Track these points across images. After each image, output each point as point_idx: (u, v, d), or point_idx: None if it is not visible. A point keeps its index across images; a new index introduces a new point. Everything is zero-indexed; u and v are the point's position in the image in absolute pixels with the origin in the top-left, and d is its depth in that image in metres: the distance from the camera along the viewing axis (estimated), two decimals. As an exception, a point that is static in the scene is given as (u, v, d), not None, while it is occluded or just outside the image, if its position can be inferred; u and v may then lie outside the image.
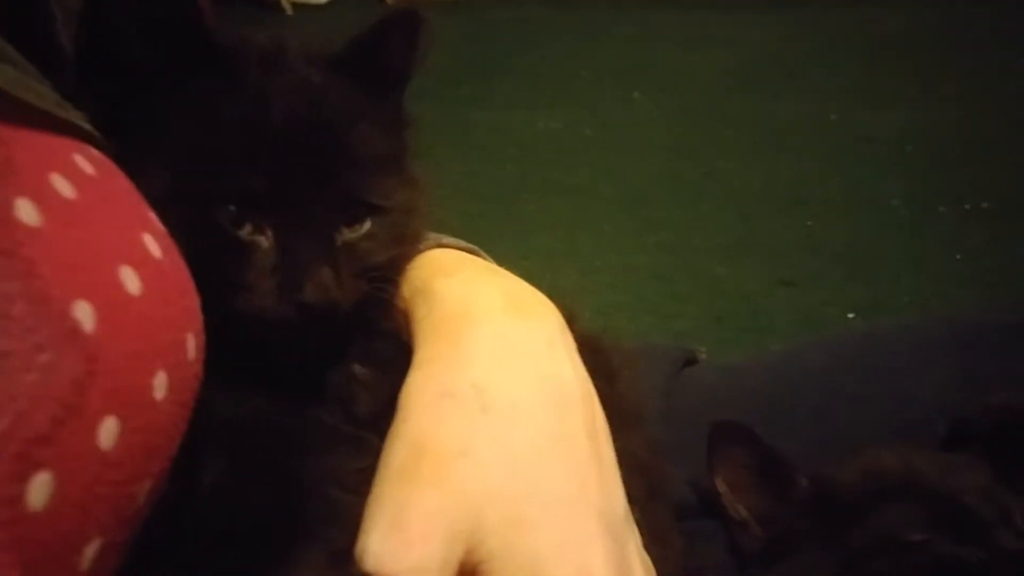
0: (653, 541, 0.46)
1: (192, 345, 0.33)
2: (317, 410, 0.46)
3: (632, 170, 1.99)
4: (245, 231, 0.44)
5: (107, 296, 0.27)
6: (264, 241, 0.44)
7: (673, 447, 0.65)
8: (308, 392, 0.46)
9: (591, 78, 2.49)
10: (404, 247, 0.50)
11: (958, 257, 1.56)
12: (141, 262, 0.30)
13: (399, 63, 0.50)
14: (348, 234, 0.47)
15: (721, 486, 0.60)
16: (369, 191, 0.47)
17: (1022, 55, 2.30)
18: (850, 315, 1.43)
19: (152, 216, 0.36)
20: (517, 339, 0.43)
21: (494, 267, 0.52)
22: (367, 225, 0.47)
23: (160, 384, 0.29)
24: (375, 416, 0.44)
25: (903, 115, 2.08)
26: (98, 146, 0.36)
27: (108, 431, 0.26)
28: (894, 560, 0.49)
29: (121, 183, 0.34)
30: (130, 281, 0.29)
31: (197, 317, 0.35)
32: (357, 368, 0.48)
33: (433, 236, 0.54)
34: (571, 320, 0.49)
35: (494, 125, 2.20)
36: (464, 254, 0.53)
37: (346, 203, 0.47)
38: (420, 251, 0.52)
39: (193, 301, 0.35)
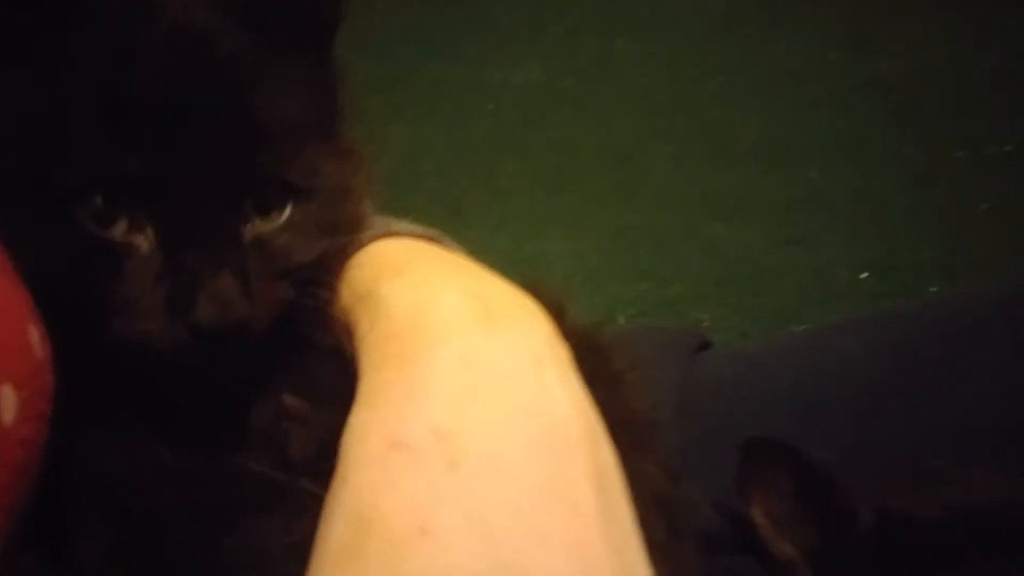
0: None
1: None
2: (237, 455, 0.38)
3: (617, 124, 1.88)
4: (117, 231, 0.35)
5: None
6: (143, 242, 0.36)
7: (688, 455, 0.54)
8: (224, 434, 0.38)
9: (569, 27, 2.39)
10: (338, 238, 0.41)
11: (983, 207, 1.46)
12: None
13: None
14: (260, 225, 0.38)
15: (759, 518, 0.48)
16: (286, 167, 0.38)
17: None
18: (863, 275, 1.33)
19: None
20: (491, 361, 0.34)
21: (459, 259, 0.42)
22: (286, 212, 0.38)
23: None
24: (314, 459, 0.37)
25: (910, 54, 1.98)
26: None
27: None
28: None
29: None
30: None
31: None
32: (288, 399, 0.40)
33: (380, 221, 0.43)
34: (560, 313, 0.40)
35: (468, 81, 2.11)
36: (418, 243, 0.43)
37: (255, 184, 0.37)
38: (362, 243, 0.42)
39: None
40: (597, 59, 2.19)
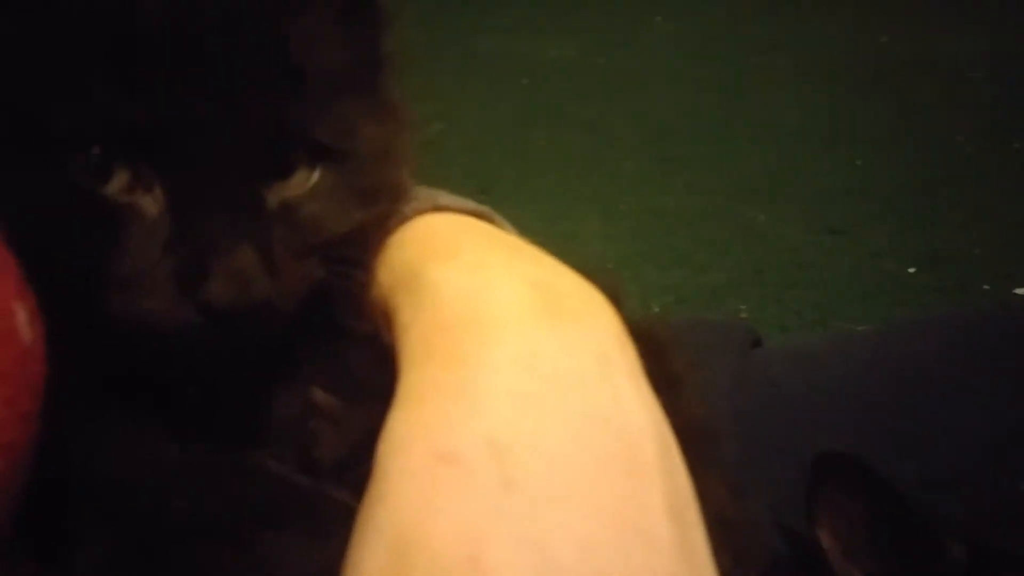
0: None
1: None
2: (257, 456, 0.33)
3: (653, 103, 1.83)
4: (118, 189, 0.31)
5: None
6: (150, 205, 0.31)
7: (745, 466, 0.49)
8: (242, 430, 0.34)
9: (607, 0, 2.30)
10: (376, 209, 0.36)
11: (1043, 201, 1.40)
12: None
13: None
14: (285, 190, 0.33)
15: (828, 542, 0.44)
16: (319, 121, 0.33)
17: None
18: (911, 270, 1.27)
19: None
20: (554, 361, 0.30)
21: (515, 240, 0.38)
22: (315, 176, 0.33)
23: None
24: (344, 463, 0.33)
25: (967, 37, 1.90)
26: None
27: None
28: None
29: None
30: None
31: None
32: (317, 393, 0.35)
33: (425, 193, 0.39)
34: (614, 302, 0.36)
35: (500, 52, 2.06)
36: (470, 220, 0.38)
37: (282, 141, 0.32)
38: (405, 216, 0.37)
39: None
40: (634, 35, 2.12)
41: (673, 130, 1.71)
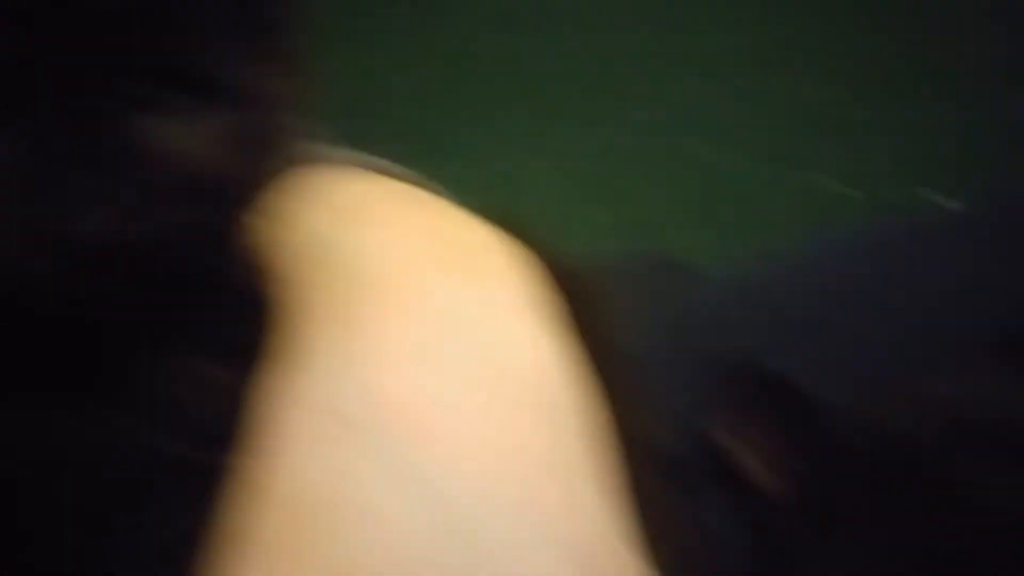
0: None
1: None
2: (125, 421, 0.30)
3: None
4: None
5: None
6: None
7: (673, 390, 0.52)
8: (108, 394, 0.31)
9: None
10: (265, 156, 0.33)
11: None
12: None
13: None
14: (157, 128, 0.30)
15: (724, 438, 0.46)
16: (199, 52, 0.30)
17: None
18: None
19: None
20: (459, 315, 0.30)
21: (421, 195, 0.36)
22: (193, 114, 0.30)
23: None
24: (230, 432, 0.30)
25: None
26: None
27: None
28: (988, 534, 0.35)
29: None
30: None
31: None
32: (190, 357, 0.32)
33: (332, 150, 0.37)
34: (540, 249, 0.35)
35: None
36: (376, 177, 0.37)
37: (154, 71, 0.29)
38: (310, 174, 0.35)
39: None
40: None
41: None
